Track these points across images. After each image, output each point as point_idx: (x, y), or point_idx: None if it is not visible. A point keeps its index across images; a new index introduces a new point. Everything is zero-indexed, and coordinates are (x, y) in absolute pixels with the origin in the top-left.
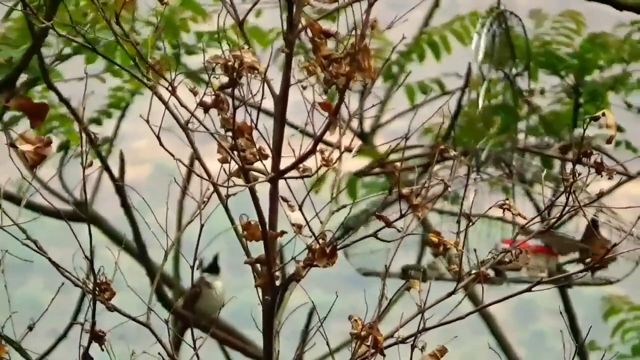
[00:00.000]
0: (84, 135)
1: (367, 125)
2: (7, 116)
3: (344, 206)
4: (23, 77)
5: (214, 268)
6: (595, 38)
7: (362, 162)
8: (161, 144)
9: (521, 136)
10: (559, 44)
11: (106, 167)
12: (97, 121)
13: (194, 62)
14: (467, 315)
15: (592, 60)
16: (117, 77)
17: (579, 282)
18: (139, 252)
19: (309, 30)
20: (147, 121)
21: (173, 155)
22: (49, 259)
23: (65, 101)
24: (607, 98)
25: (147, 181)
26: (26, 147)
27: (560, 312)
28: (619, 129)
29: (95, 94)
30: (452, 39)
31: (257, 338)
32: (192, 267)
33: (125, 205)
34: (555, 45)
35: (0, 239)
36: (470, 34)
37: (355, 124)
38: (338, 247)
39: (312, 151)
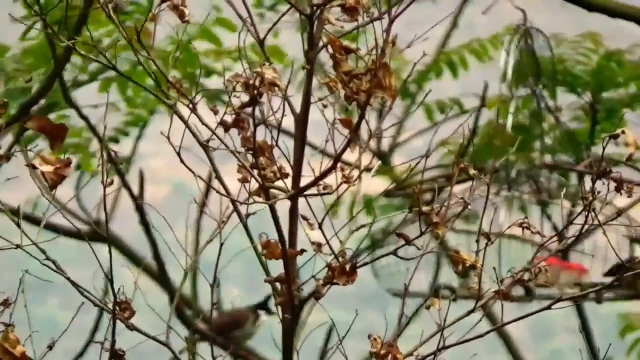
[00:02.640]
0: (104, 153)
1: (385, 144)
2: (23, 138)
3: (363, 225)
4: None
5: (268, 309)
6: (612, 56)
7: (380, 181)
8: (182, 161)
9: (537, 154)
10: (577, 62)
11: (126, 185)
12: (115, 139)
13: (212, 83)
14: (486, 333)
15: (608, 77)
16: (132, 107)
17: (610, 297)
18: (158, 271)
19: (329, 47)
20: (168, 138)
21: (194, 172)
22: (69, 279)
23: (85, 118)
24: (623, 115)
25: (165, 200)
26: (46, 168)
27: (580, 330)
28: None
29: (112, 116)
30: (470, 57)
31: (274, 356)
32: (212, 286)
33: (145, 223)
34: (573, 64)
35: (19, 259)
36: (488, 53)
37: (373, 142)
38: (358, 265)
39: (333, 168)
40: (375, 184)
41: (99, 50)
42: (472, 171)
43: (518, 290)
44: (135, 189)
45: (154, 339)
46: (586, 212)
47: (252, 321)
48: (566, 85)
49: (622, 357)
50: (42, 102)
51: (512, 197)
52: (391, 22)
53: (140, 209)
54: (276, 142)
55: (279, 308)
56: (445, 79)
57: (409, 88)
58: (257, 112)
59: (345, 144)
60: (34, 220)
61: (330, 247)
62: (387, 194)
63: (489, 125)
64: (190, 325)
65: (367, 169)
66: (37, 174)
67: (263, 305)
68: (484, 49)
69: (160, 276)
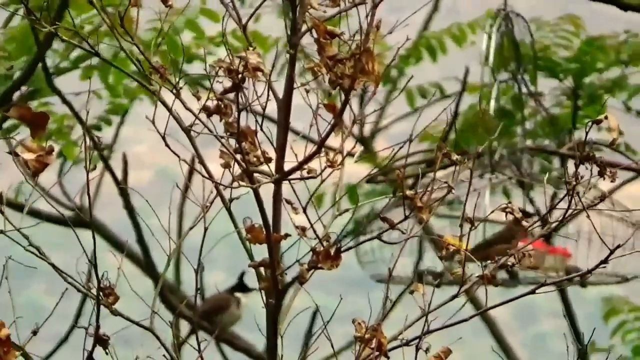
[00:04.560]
0: (87, 139)
1: (367, 129)
2: (5, 125)
3: (347, 210)
4: (20, 90)
5: (245, 287)
6: (594, 41)
7: (362, 167)
8: (167, 145)
9: (518, 139)
10: (557, 46)
11: (109, 170)
12: (97, 127)
13: (194, 68)
14: (471, 317)
15: (590, 62)
16: (114, 95)
17: (594, 281)
18: (142, 256)
19: (314, 32)
20: (153, 122)
21: (179, 156)
22: (52, 265)
23: (68, 103)
24: (606, 101)
25: (148, 186)
26: (28, 156)
27: (564, 315)
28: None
29: (95, 104)
30: (449, 42)
31: (257, 340)
32: (196, 272)
33: (129, 207)
34: (554, 49)
35: (2, 245)
36: (466, 37)
37: (356, 128)
38: (342, 249)
39: (317, 152)
40: (357, 170)
41: (81, 36)
42: (455, 156)
43: (502, 275)
44: (119, 175)
45: (137, 324)
46: (569, 197)
47: (236, 304)
48: (548, 70)
49: (606, 340)
50: (25, 89)
51: (496, 181)
52: (375, 6)
53: (124, 194)
54: (260, 127)
55: (263, 292)
56: (424, 63)
57: (390, 73)
58: (240, 97)
59: (330, 128)
60: (17, 206)
61: (315, 232)
62: (369, 180)
63: (472, 110)
64: (175, 311)
65: (351, 154)
66: (20, 160)
67: (239, 286)
68: (463, 33)
69: (144, 261)
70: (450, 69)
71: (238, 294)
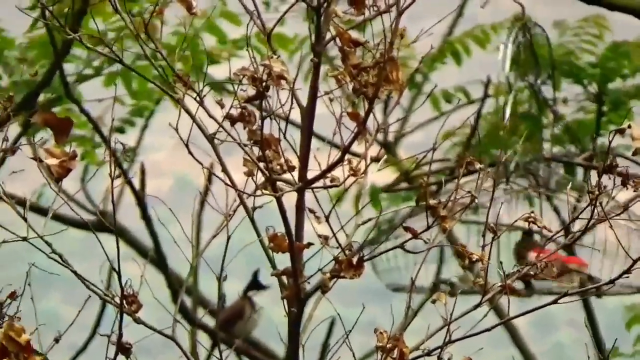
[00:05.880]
0: (111, 146)
1: (390, 135)
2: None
3: (370, 219)
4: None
5: (259, 284)
6: (618, 47)
7: (385, 173)
8: (190, 152)
9: (545, 145)
10: (582, 51)
11: (127, 180)
12: (121, 130)
13: (217, 72)
14: (493, 327)
15: (614, 69)
16: (136, 100)
17: (611, 291)
18: (160, 265)
19: (338, 40)
20: (177, 129)
21: (202, 165)
22: (75, 273)
23: (86, 114)
24: (631, 108)
25: (167, 194)
26: (52, 161)
27: (585, 324)
28: None
29: (118, 108)
30: (473, 45)
31: (276, 349)
32: (219, 280)
33: (146, 217)
34: (578, 54)
35: (21, 252)
36: (490, 40)
37: (379, 134)
38: (365, 258)
39: (340, 160)
40: (381, 175)
41: (105, 43)
42: (477, 165)
43: (517, 284)
44: (137, 184)
45: (160, 333)
46: (592, 207)
47: (249, 308)
48: (572, 76)
49: (629, 349)
50: (49, 95)
51: (511, 190)
52: (399, 14)
53: (141, 203)
54: (284, 134)
55: (285, 302)
56: (446, 67)
57: (415, 78)
58: (263, 105)
59: (353, 137)
60: (40, 211)
61: (337, 240)
62: (392, 188)
63: (496, 114)
64: (193, 321)
65: (375, 160)
66: (43, 166)
67: (253, 285)
68: (487, 36)
69: (162, 270)
70: (472, 72)
71: (252, 293)
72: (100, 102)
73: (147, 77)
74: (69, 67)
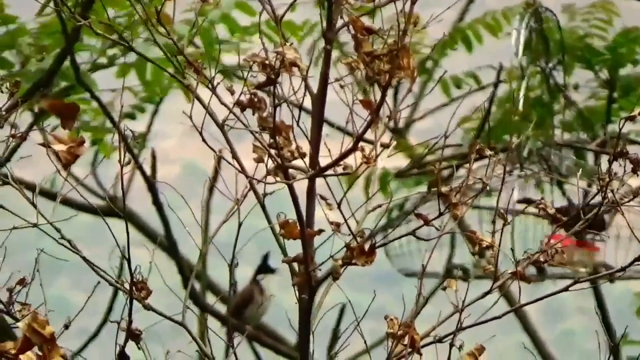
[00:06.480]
0: (121, 132)
1: (401, 120)
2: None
3: (380, 206)
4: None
5: (268, 268)
6: (629, 33)
7: (396, 158)
8: (204, 140)
9: (556, 131)
10: (592, 36)
11: (138, 165)
12: (131, 116)
13: (227, 58)
14: (504, 314)
15: (625, 54)
16: (149, 90)
17: (624, 276)
18: (170, 251)
19: (350, 27)
20: (190, 117)
21: (215, 151)
22: (84, 259)
23: (97, 99)
24: None
25: (175, 181)
26: (60, 147)
27: (595, 311)
28: None
29: (129, 97)
30: (484, 32)
31: (289, 336)
32: (230, 266)
33: (157, 203)
34: (589, 39)
35: (30, 238)
36: (501, 27)
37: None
38: (377, 245)
39: (354, 149)
40: (392, 161)
41: (116, 31)
42: (487, 152)
43: (530, 270)
44: (148, 170)
45: (170, 319)
46: (603, 193)
47: (259, 293)
48: (584, 61)
49: (639, 336)
50: (62, 84)
51: (525, 176)
52: (413, 2)
53: (152, 189)
54: (297, 121)
55: (296, 288)
56: (457, 53)
57: (425, 64)
58: (275, 91)
59: (367, 124)
60: (49, 196)
61: (349, 227)
62: (400, 174)
63: (508, 100)
64: (203, 307)
65: (387, 146)
66: (52, 152)
67: (262, 268)
68: (498, 23)
69: (173, 256)
70: (483, 59)
71: (261, 276)
72: (114, 91)
73: (159, 65)
74: (82, 57)
